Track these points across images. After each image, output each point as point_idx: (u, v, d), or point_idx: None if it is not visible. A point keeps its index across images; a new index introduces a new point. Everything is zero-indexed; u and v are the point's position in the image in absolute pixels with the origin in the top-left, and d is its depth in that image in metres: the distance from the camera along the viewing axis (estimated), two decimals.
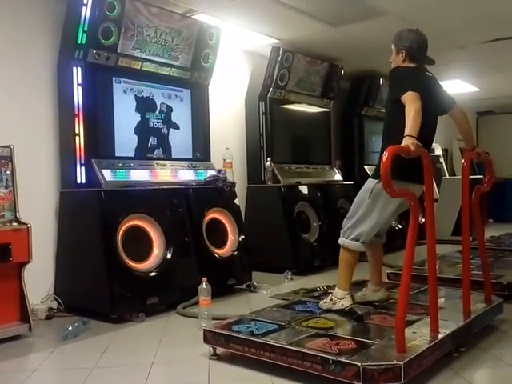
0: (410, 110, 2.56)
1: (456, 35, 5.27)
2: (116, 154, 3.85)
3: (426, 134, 2.72)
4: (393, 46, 2.96)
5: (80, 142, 3.68)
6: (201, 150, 4.56)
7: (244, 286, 4.31)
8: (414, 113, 2.53)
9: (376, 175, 2.81)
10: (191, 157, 4.46)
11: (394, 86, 2.81)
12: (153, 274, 3.64)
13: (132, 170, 3.89)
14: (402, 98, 2.62)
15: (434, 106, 2.84)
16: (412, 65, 2.89)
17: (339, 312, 2.94)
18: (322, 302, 3.07)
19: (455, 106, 3.05)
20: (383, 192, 2.53)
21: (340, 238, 3.01)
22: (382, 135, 2.94)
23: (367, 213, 2.89)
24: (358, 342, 2.42)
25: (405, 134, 2.48)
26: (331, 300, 3.01)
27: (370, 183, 2.90)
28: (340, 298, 2.98)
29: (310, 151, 6.02)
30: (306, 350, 2.30)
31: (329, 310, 2.97)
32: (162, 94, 4.26)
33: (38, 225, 3.29)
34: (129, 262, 3.53)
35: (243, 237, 4.41)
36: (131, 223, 3.65)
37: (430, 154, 2.69)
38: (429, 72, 2.96)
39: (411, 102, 2.57)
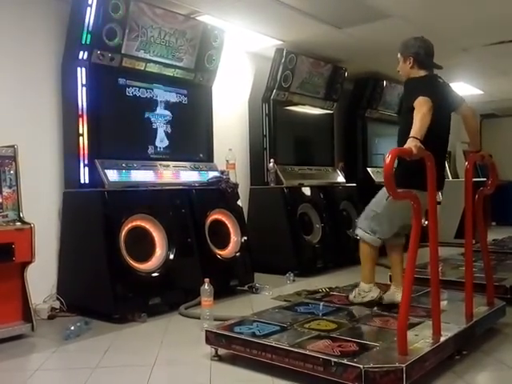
0: (417, 112, 2.58)
1: (459, 38, 5.26)
2: (119, 155, 3.86)
3: (438, 139, 2.74)
4: (399, 55, 3.00)
5: (84, 142, 3.69)
6: (204, 151, 4.57)
7: (246, 287, 4.31)
8: (422, 115, 2.55)
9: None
10: (194, 158, 4.47)
11: (409, 95, 2.83)
12: (155, 274, 3.64)
13: (135, 171, 3.90)
14: (414, 103, 2.64)
15: (446, 110, 2.85)
16: (422, 72, 2.92)
17: (369, 304, 3.09)
18: (351, 297, 3.20)
19: (464, 103, 3.08)
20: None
21: (357, 229, 3.13)
22: (397, 142, 2.94)
23: (383, 212, 2.96)
24: (360, 344, 2.42)
25: (410, 135, 2.48)
26: (359, 294, 3.14)
27: None
28: (367, 291, 3.10)
29: (313, 153, 6.02)
30: (307, 352, 2.30)
31: (361, 304, 3.11)
32: (166, 94, 4.27)
33: (41, 225, 3.29)
34: (131, 263, 3.53)
35: (246, 238, 4.41)
36: (134, 223, 3.66)
37: (445, 154, 2.70)
38: (440, 78, 2.98)
39: (420, 105, 2.60)
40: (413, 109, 2.65)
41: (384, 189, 2.90)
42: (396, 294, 3.10)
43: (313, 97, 5.88)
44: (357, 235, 3.15)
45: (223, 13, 4.41)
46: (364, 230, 3.08)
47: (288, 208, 5.12)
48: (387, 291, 3.20)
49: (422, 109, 2.58)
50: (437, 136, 2.72)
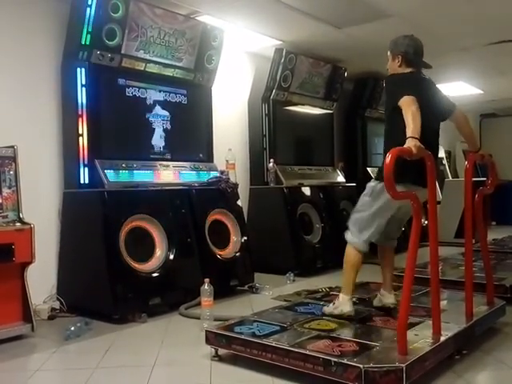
0: (407, 114, 2.56)
1: (459, 37, 5.25)
2: (119, 155, 3.85)
3: (428, 137, 2.72)
4: (389, 53, 2.98)
5: (83, 142, 3.69)
6: (204, 151, 4.57)
7: (246, 288, 4.31)
8: (412, 115, 2.53)
9: (377, 177, 2.86)
10: (194, 158, 4.46)
11: (391, 93, 2.82)
12: (155, 274, 3.64)
13: (135, 171, 3.90)
14: (399, 103, 2.62)
15: (433, 108, 2.84)
16: (408, 70, 2.90)
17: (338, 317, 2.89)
18: (325, 307, 3.04)
19: (456, 110, 3.05)
20: (383, 193, 2.57)
21: (346, 233, 3.01)
22: (384, 141, 2.93)
23: (367, 213, 2.89)
24: (360, 344, 2.42)
25: (407, 135, 2.47)
26: (333, 304, 2.97)
27: (372, 183, 2.94)
28: (341, 303, 2.93)
29: (312, 153, 6.02)
30: (307, 352, 2.30)
31: (330, 315, 2.93)
32: (166, 95, 4.27)
33: (41, 225, 3.30)
34: (131, 263, 3.53)
35: (245, 238, 4.41)
36: (134, 224, 3.66)
37: (436, 155, 2.69)
38: (424, 75, 2.96)
39: (407, 106, 2.58)
40: (397, 108, 2.63)
41: (367, 188, 2.93)
42: (385, 298, 3.08)
43: (312, 97, 5.88)
44: (347, 241, 2.98)
45: (223, 13, 4.41)
46: (353, 235, 2.94)
47: (288, 208, 5.12)
48: (379, 294, 3.15)
49: (410, 108, 2.55)
50: (427, 131, 2.67)
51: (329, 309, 2.98)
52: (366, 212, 2.89)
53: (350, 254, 2.94)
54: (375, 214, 2.87)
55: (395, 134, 2.57)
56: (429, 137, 2.71)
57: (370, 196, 2.89)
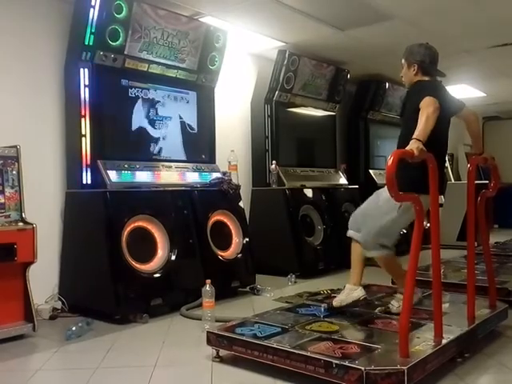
0: (423, 112, 2.57)
1: (462, 40, 5.26)
2: (121, 156, 3.86)
3: (439, 142, 2.73)
4: (403, 61, 2.99)
5: (86, 143, 3.70)
6: (206, 152, 4.57)
7: (248, 289, 4.31)
8: (427, 116, 2.54)
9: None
10: (196, 159, 4.47)
11: (414, 97, 2.79)
12: (157, 275, 3.64)
13: (137, 172, 3.90)
14: (420, 104, 2.63)
15: (446, 113, 2.85)
16: (426, 78, 2.91)
17: (352, 307, 3.03)
18: (333, 302, 3.09)
19: (465, 108, 3.06)
20: (411, 208, 2.46)
21: (350, 231, 3.08)
22: (397, 146, 2.85)
23: (386, 222, 2.89)
24: (362, 346, 2.42)
25: (413, 136, 2.47)
26: (343, 295, 3.06)
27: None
28: (351, 290, 3.04)
29: (315, 154, 6.02)
30: (309, 354, 2.30)
31: (345, 306, 3.03)
32: (168, 96, 4.27)
33: (44, 225, 3.30)
34: (133, 263, 3.53)
35: (247, 239, 4.41)
36: (136, 224, 3.66)
37: (444, 159, 2.71)
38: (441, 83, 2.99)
39: (427, 105, 2.59)
40: (418, 110, 2.63)
41: (386, 198, 2.68)
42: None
43: (315, 98, 5.88)
44: (353, 237, 3.08)
45: (226, 14, 4.42)
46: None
47: (290, 209, 5.12)
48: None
49: (428, 109, 2.57)
50: (437, 139, 2.71)
51: (337, 301, 3.05)
52: (391, 222, 2.90)
53: (357, 248, 3.06)
54: (395, 224, 2.92)
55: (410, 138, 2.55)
56: (441, 140, 2.78)
57: (398, 210, 2.80)
